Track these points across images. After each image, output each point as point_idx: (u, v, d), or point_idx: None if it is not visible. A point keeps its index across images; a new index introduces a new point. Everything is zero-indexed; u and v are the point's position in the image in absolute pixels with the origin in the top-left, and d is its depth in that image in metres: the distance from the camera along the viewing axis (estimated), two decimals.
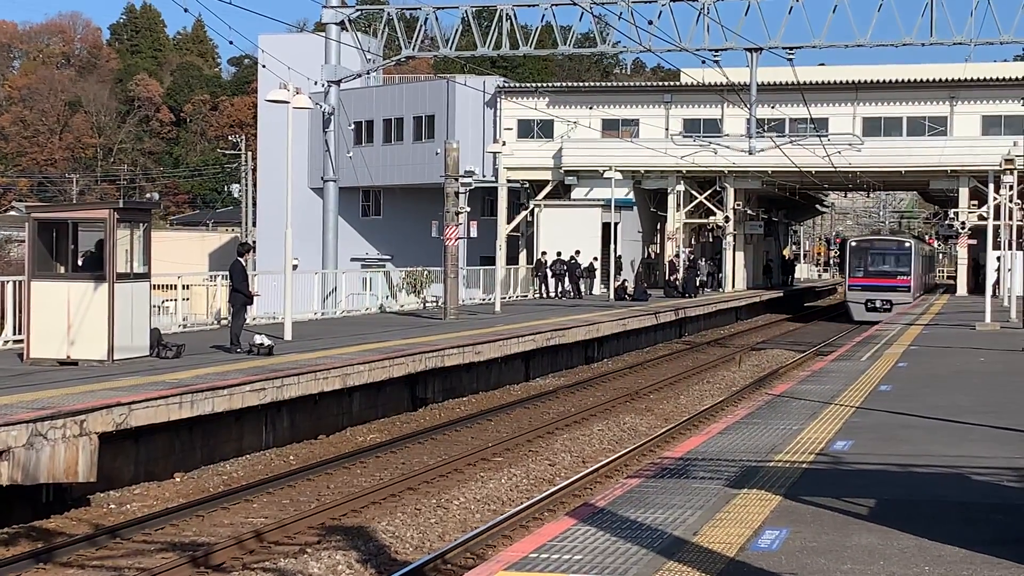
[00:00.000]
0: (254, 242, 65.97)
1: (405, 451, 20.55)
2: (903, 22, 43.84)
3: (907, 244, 56.70)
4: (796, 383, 19.79)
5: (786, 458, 12.35)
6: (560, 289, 50.40)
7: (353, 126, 58.58)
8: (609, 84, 75.03)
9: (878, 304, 53.66)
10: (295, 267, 30.85)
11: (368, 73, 52.30)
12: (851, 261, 56.17)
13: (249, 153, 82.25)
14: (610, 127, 60.64)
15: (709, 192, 59.60)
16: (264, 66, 46.19)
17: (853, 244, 57.97)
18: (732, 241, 60.43)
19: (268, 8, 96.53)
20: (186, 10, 31.08)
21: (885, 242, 57.61)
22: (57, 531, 14.55)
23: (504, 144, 47.86)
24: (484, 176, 55.49)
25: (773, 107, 54.06)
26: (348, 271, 45.16)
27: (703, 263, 59.89)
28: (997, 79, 57.67)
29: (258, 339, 23.07)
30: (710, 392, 29.53)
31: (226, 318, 27.62)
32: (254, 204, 76.41)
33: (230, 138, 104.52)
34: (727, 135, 56.53)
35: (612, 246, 51.98)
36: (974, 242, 55.44)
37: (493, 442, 21.13)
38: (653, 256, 63.49)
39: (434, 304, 39.85)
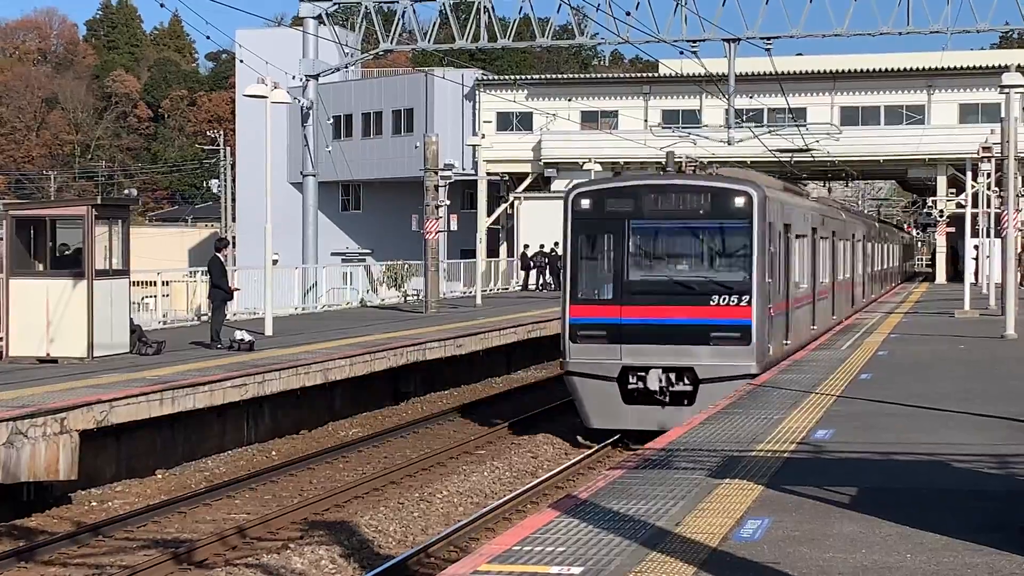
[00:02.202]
0: (233, 237, 65.84)
1: (387, 445, 20.54)
2: (880, 11, 44.04)
3: (740, 201, 19.67)
4: (777, 372, 19.81)
5: (768, 447, 12.38)
6: (541, 281, 50.43)
7: (332, 120, 58.43)
8: (588, 76, 75.12)
9: (654, 383, 19.51)
10: (275, 262, 30.77)
11: (346, 67, 52.16)
12: (576, 253, 20.35)
13: (228, 148, 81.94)
14: (589, 119, 60.64)
15: None
16: (242, 61, 46.04)
17: (585, 204, 20.16)
18: None
19: (245, 3, 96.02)
20: (162, 5, 31.10)
21: (676, 190, 20.12)
22: (39, 529, 14.50)
23: (483, 137, 47.97)
24: (464, 169, 55.43)
25: (751, 97, 54.15)
26: (328, 265, 45.09)
27: None
28: (974, 67, 57.88)
29: (239, 335, 23.02)
30: None
31: (206, 314, 27.55)
32: (233, 199, 76.19)
33: (208, 133, 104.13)
34: (706, 126, 56.50)
35: None
36: (952, 230, 55.62)
37: (475, 435, 21.13)
38: None
39: (415, 298, 39.80)
